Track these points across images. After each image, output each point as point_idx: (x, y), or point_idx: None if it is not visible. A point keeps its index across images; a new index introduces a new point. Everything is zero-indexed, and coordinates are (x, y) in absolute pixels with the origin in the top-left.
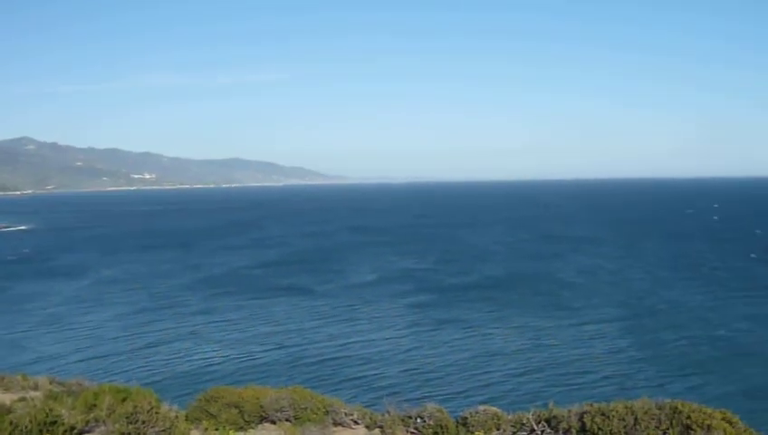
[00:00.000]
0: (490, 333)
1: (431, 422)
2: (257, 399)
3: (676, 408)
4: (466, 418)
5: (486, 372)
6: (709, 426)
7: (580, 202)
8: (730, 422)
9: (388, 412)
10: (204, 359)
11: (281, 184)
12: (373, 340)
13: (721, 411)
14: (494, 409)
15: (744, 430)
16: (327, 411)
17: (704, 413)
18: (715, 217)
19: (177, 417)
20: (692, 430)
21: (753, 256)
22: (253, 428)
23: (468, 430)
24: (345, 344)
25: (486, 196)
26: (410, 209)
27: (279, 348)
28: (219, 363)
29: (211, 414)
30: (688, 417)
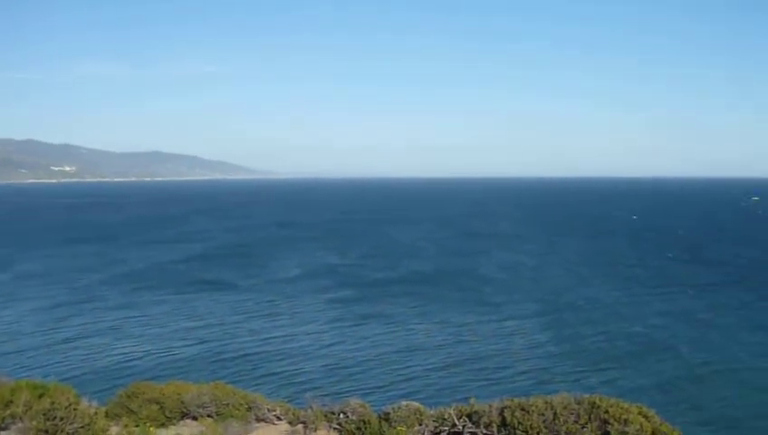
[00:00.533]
0: (412, 328)
1: (354, 418)
2: (178, 395)
3: (594, 403)
4: (389, 413)
5: (408, 367)
6: (626, 420)
7: (513, 200)
8: (646, 416)
9: (311, 408)
10: (124, 354)
11: (204, 178)
12: (296, 335)
13: (637, 406)
14: (417, 404)
15: (661, 424)
16: (249, 407)
17: (621, 408)
18: (635, 217)
19: (96, 413)
20: (609, 424)
21: (669, 255)
22: (174, 424)
23: (391, 426)
24: (267, 339)
25: (421, 193)
26: (338, 205)
27: (201, 343)
28: (140, 359)
29: (131, 410)
30: (606, 411)
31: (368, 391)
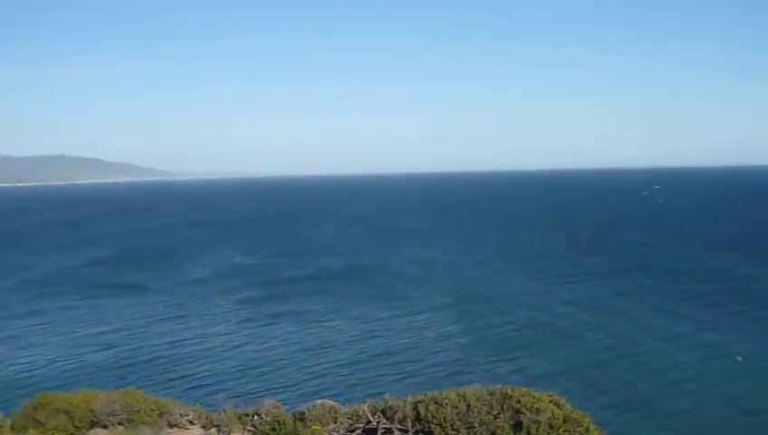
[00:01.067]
0: (324, 325)
1: (268, 419)
2: (87, 403)
3: (507, 393)
4: (304, 412)
5: (321, 364)
6: (538, 409)
7: (435, 196)
8: (557, 404)
9: (224, 411)
10: (28, 364)
11: (111, 181)
12: (206, 336)
13: (548, 394)
14: (331, 402)
15: (571, 411)
16: (161, 413)
17: (532, 397)
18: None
19: (1, 426)
20: (522, 413)
21: (577, 245)
22: (83, 434)
23: (306, 425)
24: (177, 342)
25: (336, 190)
26: (249, 205)
27: (109, 348)
28: (45, 368)
29: (38, 421)
30: (518, 401)
31: (281, 390)
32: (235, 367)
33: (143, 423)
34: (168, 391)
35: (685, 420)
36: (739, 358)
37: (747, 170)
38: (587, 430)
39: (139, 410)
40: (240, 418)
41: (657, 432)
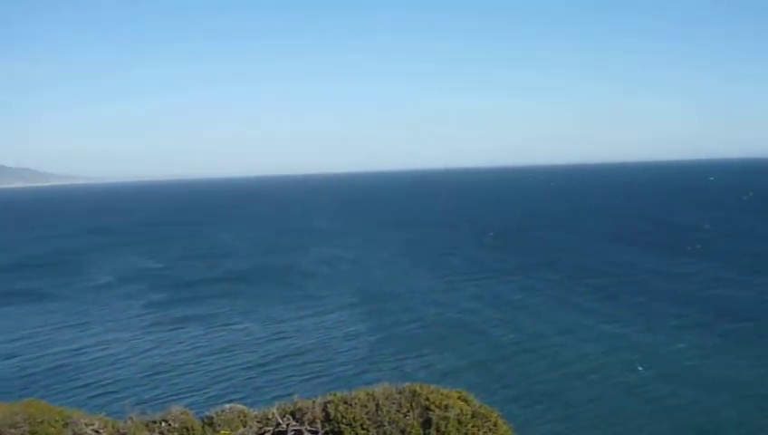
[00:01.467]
0: (232, 328)
1: (176, 425)
2: None
3: (415, 391)
4: (212, 417)
5: (229, 368)
6: (446, 406)
7: (349, 196)
8: (465, 400)
9: (131, 419)
10: None
11: (7, 186)
12: (111, 342)
13: (457, 391)
14: (241, 406)
15: (480, 406)
16: (66, 423)
17: (441, 394)
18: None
19: None
20: (431, 410)
21: (484, 242)
22: None
23: (215, 430)
24: (81, 349)
25: (250, 191)
26: (153, 208)
27: (10, 358)
28: None
29: None
30: (427, 399)
31: (189, 395)
32: (140, 373)
33: (47, 434)
34: (72, 399)
35: (588, 410)
36: (640, 368)
37: (660, 166)
38: (495, 424)
39: (42, 422)
40: (147, 425)
41: (561, 423)
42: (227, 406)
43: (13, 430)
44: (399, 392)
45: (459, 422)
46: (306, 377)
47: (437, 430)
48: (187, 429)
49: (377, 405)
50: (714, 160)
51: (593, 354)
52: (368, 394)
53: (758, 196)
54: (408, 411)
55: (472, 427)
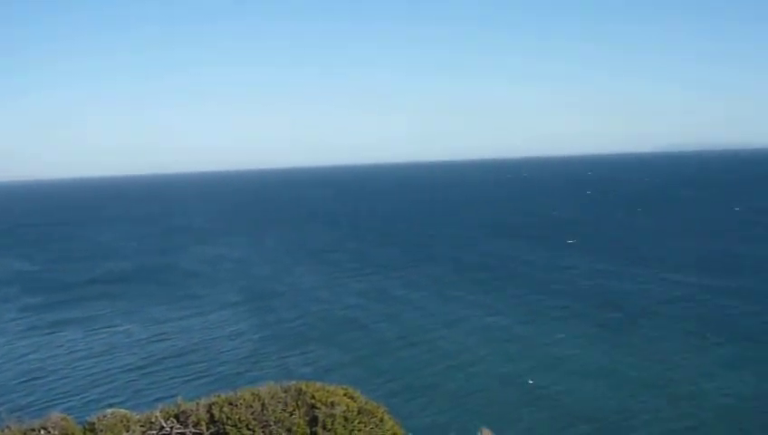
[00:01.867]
0: (112, 329)
1: (56, 432)
2: None
3: (301, 389)
4: (94, 423)
5: (110, 370)
6: (332, 403)
7: (235, 195)
8: (351, 397)
9: (8, 428)
10: None
11: None
12: None
13: (343, 388)
14: (123, 411)
15: (366, 402)
16: None
17: (327, 391)
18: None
19: None
20: (317, 408)
21: (369, 238)
22: None
23: None
24: None
25: (134, 191)
26: (31, 209)
27: None
28: None
29: None
30: (313, 396)
31: (68, 400)
32: (16, 378)
33: None
34: None
35: (471, 401)
36: (531, 381)
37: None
38: (381, 420)
39: None
40: (25, 433)
41: (444, 414)
42: (109, 411)
43: None
44: (285, 391)
45: (346, 419)
46: (189, 378)
47: (324, 427)
48: None
49: (262, 405)
50: (607, 156)
51: (475, 347)
52: (253, 394)
53: (596, 191)
54: (294, 410)
55: (358, 423)
